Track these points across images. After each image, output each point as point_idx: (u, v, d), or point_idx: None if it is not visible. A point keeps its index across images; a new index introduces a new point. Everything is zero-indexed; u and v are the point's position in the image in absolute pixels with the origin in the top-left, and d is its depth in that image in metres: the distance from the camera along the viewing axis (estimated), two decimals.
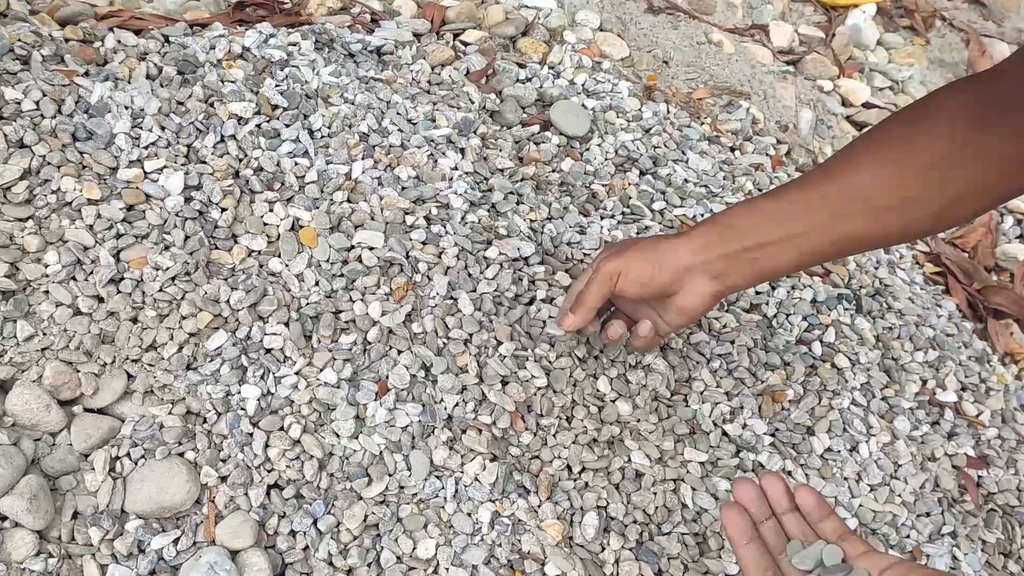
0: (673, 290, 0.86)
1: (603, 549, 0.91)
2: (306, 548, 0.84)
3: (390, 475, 0.88)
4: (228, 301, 0.92)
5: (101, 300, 0.89)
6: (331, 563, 0.84)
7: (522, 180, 1.17)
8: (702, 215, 1.26)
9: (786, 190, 0.84)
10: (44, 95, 0.96)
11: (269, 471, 0.86)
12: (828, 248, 0.82)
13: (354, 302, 0.96)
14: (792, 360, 1.13)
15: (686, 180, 1.31)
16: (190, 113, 1.03)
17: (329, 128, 1.10)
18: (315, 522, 0.85)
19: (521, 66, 1.38)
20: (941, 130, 0.76)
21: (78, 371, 0.85)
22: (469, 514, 0.88)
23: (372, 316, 0.95)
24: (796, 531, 0.71)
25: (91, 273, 0.89)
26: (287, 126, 1.07)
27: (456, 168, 1.13)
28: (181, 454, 0.85)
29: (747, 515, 0.71)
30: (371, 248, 1.00)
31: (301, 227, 0.99)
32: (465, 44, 1.38)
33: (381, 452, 0.89)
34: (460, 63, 1.32)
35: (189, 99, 1.04)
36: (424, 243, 1.02)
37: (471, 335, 0.97)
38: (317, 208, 1.01)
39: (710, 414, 1.03)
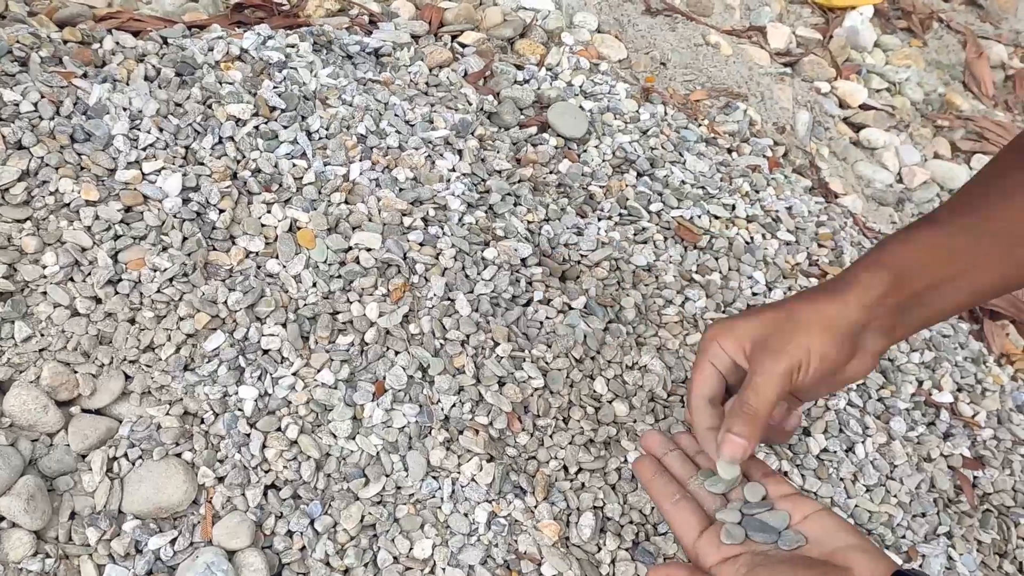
0: (849, 360, 0.68)
1: (599, 549, 0.91)
2: (303, 548, 0.84)
3: (387, 476, 0.89)
4: (226, 302, 0.92)
5: (99, 301, 0.89)
6: (328, 563, 0.84)
7: (520, 181, 1.18)
8: (699, 216, 1.26)
9: (946, 218, 0.70)
10: (42, 97, 0.97)
11: (266, 472, 0.86)
12: (1000, 282, 0.69)
13: (351, 303, 0.96)
14: None
15: (683, 181, 1.31)
16: (188, 115, 1.03)
17: (327, 130, 1.10)
18: (312, 522, 0.85)
19: (519, 68, 1.38)
20: None
21: (76, 372, 0.86)
22: (466, 514, 0.88)
23: (369, 317, 0.95)
24: (708, 465, 0.69)
25: (89, 274, 0.89)
26: (285, 128, 1.07)
27: (454, 169, 1.13)
28: (178, 455, 0.85)
29: (654, 458, 0.71)
30: (368, 249, 1.00)
31: (299, 228, 1.00)
32: (463, 46, 1.38)
33: (378, 453, 0.89)
34: (458, 65, 1.33)
35: (187, 101, 1.04)
36: (421, 244, 1.03)
37: (468, 336, 0.97)
38: (315, 209, 1.01)
39: None
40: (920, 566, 1.04)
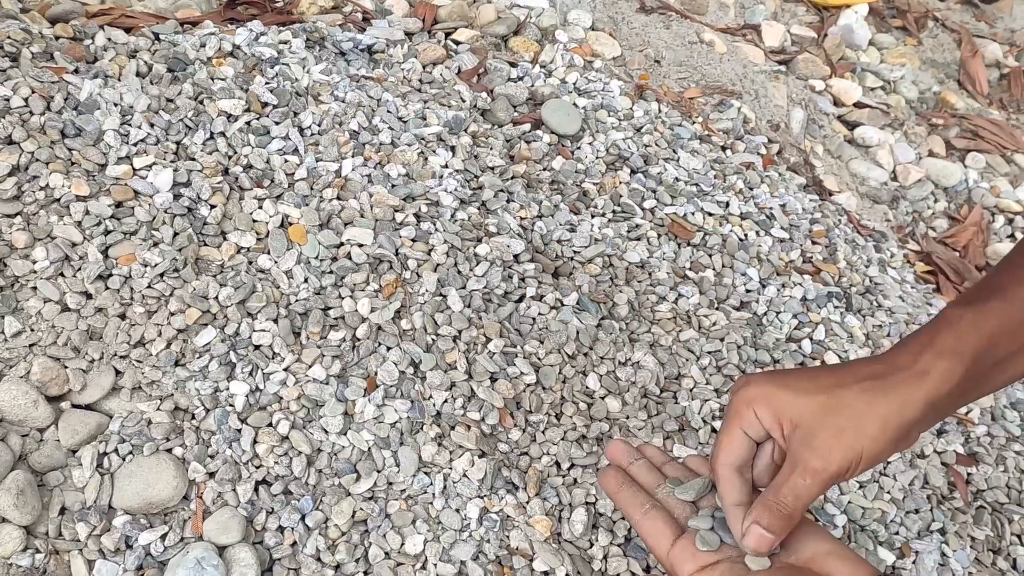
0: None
1: (591, 545, 0.91)
2: (294, 544, 0.84)
3: (378, 471, 0.88)
4: (217, 297, 0.92)
5: (89, 296, 0.89)
6: (319, 559, 0.84)
7: (513, 178, 1.17)
8: (692, 213, 1.26)
9: (1012, 288, 0.64)
10: (33, 92, 0.96)
11: (257, 467, 0.86)
12: None
13: (343, 299, 0.96)
14: (782, 358, 1.13)
15: (677, 179, 1.31)
16: (180, 110, 1.03)
17: (319, 126, 1.10)
18: (303, 518, 0.85)
19: (513, 65, 1.38)
20: None
21: (66, 367, 0.85)
22: (457, 510, 0.88)
23: (361, 313, 0.95)
24: (675, 474, 0.68)
25: (79, 269, 0.89)
26: (277, 123, 1.07)
27: (446, 166, 1.13)
28: (169, 450, 0.85)
29: (620, 469, 0.69)
30: (360, 245, 1.00)
31: (290, 224, 0.99)
32: (457, 43, 1.38)
33: (369, 448, 0.89)
34: (451, 62, 1.32)
35: (179, 96, 1.04)
36: (414, 240, 1.03)
37: (460, 332, 0.97)
38: (307, 205, 1.01)
39: (699, 411, 1.03)
40: (913, 563, 1.04)
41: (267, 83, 1.10)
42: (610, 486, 0.67)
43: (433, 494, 0.89)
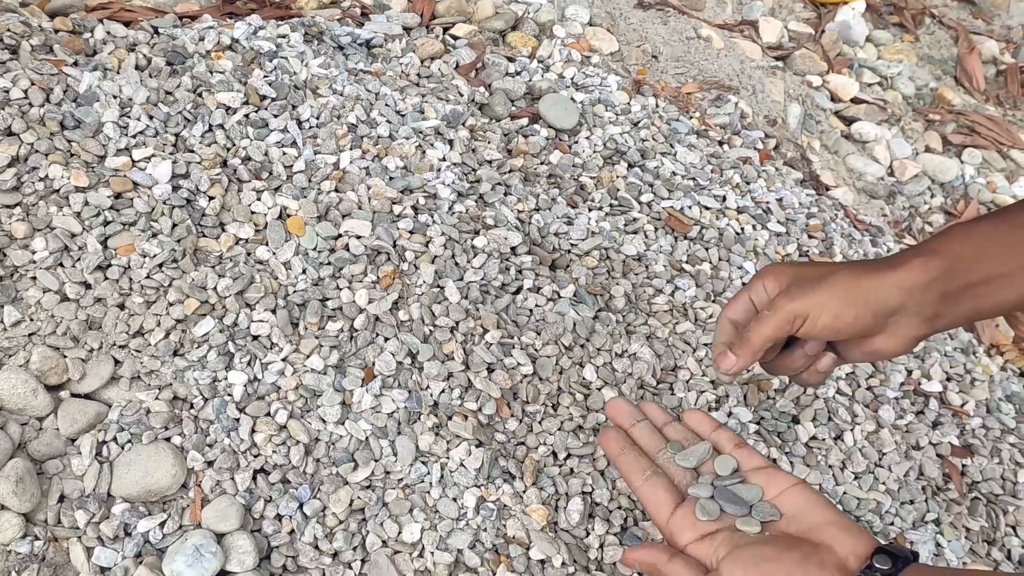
0: (872, 333, 0.70)
1: (588, 534, 0.91)
2: (292, 532, 0.84)
3: (376, 460, 0.89)
4: (215, 288, 0.92)
5: (88, 286, 0.89)
6: (317, 547, 0.84)
7: (510, 172, 1.18)
8: (689, 207, 1.26)
9: (1010, 213, 0.69)
10: (32, 84, 0.97)
11: (255, 456, 0.87)
12: None
13: (341, 290, 0.96)
14: None
15: (674, 173, 1.32)
16: (178, 103, 1.03)
17: (317, 119, 1.10)
18: (301, 506, 0.85)
19: (510, 60, 1.39)
20: None
21: (65, 356, 0.86)
22: (454, 499, 0.89)
23: (359, 304, 0.96)
24: (677, 437, 0.71)
25: (78, 260, 0.90)
26: (275, 116, 1.08)
27: (444, 159, 1.13)
28: (168, 439, 0.85)
29: (621, 431, 0.72)
30: (358, 237, 1.00)
31: (289, 216, 1.00)
32: (455, 38, 1.38)
33: (367, 438, 0.89)
34: (450, 56, 1.33)
35: (177, 89, 1.05)
36: (411, 232, 1.03)
37: (457, 323, 0.98)
38: (305, 197, 1.02)
39: (695, 402, 1.04)
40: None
41: (265, 76, 1.11)
42: (611, 449, 0.69)
43: (430, 483, 0.89)
